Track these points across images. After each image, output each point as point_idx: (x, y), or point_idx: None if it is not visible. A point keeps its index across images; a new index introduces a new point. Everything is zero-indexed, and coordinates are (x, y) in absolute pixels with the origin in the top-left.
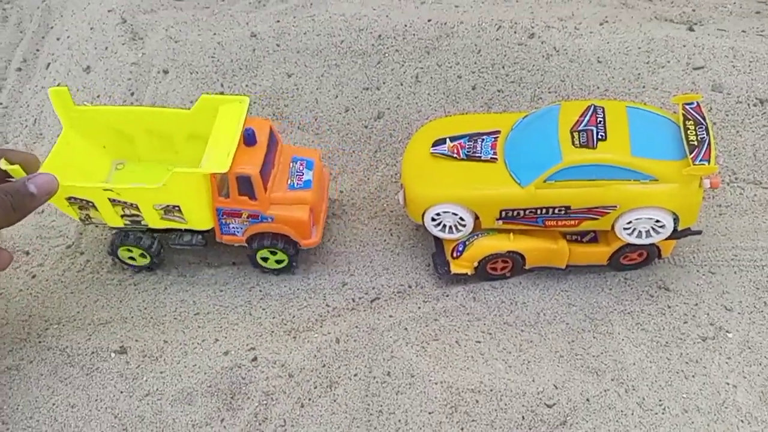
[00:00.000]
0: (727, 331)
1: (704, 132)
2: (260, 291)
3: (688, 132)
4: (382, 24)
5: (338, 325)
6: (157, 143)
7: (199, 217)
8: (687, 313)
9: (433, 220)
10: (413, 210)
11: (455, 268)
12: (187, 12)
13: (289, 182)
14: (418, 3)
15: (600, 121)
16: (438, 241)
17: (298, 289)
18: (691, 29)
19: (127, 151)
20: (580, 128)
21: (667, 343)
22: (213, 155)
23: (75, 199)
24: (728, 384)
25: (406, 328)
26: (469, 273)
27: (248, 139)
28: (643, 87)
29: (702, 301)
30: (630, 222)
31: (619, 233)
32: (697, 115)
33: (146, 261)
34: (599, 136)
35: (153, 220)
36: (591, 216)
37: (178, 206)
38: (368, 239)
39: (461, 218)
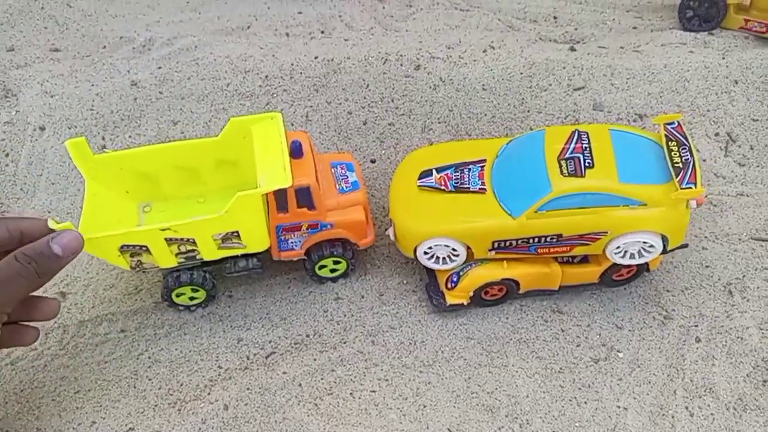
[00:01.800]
0: (618, 351)
1: (688, 153)
2: (149, 358)
3: (672, 153)
4: (268, 64)
5: (228, 389)
6: (183, 178)
7: (256, 238)
8: (580, 336)
9: (426, 252)
10: (405, 245)
11: (451, 299)
12: (65, 63)
13: (338, 187)
14: (307, 39)
15: (586, 148)
16: (431, 272)
17: (190, 352)
18: (572, 49)
19: (151, 192)
20: (567, 156)
21: (561, 369)
22: (268, 173)
23: (128, 246)
24: (619, 407)
25: (300, 384)
26: (465, 303)
27: (296, 151)
28: (528, 111)
29: (594, 321)
30: (620, 246)
31: (610, 256)
32: (679, 136)
33: (199, 299)
34: (586, 164)
35: (210, 252)
36: (582, 242)
37: (237, 232)
38: (265, 290)
39: (454, 249)
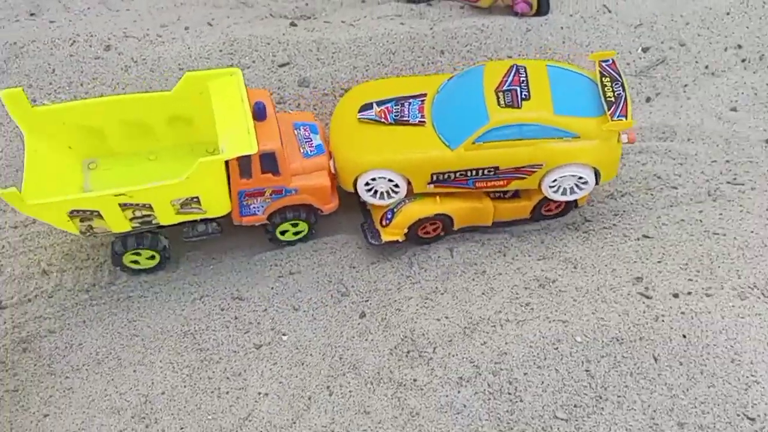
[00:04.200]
0: (283, 334)
1: (620, 88)
2: None
3: (605, 89)
4: None
5: None
6: (132, 133)
7: (217, 203)
8: (252, 322)
9: (367, 185)
10: (344, 177)
11: (386, 236)
12: None
13: (302, 150)
14: (4, 22)
15: (523, 81)
16: (366, 211)
17: None
18: (293, 24)
19: (97, 148)
20: (504, 88)
21: (219, 359)
22: (231, 137)
23: (78, 211)
24: (260, 393)
25: None
26: (400, 240)
27: (259, 113)
28: None
29: (272, 305)
30: (555, 180)
31: (546, 191)
32: (612, 72)
33: (154, 262)
34: (523, 96)
35: (168, 216)
36: (519, 175)
37: (197, 197)
38: None
39: (395, 184)
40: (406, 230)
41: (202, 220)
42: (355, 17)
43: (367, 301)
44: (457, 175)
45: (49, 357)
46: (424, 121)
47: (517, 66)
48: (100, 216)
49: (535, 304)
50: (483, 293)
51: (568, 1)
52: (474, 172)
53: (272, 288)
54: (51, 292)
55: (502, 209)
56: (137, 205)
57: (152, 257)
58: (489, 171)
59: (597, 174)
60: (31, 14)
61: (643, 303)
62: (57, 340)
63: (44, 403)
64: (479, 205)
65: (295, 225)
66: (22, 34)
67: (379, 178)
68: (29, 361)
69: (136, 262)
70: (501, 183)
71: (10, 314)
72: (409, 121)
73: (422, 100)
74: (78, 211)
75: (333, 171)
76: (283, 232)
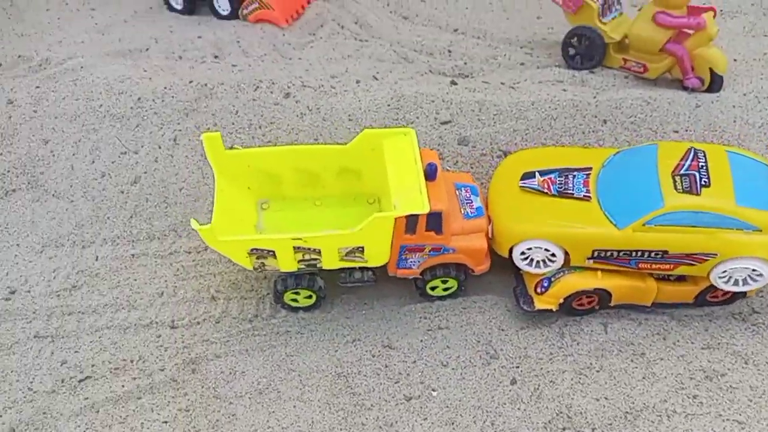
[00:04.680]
0: (433, 390)
1: None
2: None
3: None
4: (142, 87)
5: (23, 413)
6: (303, 180)
7: (379, 254)
8: (402, 372)
9: (522, 254)
10: (501, 244)
11: (540, 304)
12: None
13: (463, 211)
14: (197, 63)
15: (702, 167)
16: (518, 276)
17: (11, 372)
18: (453, 83)
19: (271, 190)
20: (682, 172)
21: (371, 406)
22: (404, 195)
23: (257, 250)
24: None
25: (97, 411)
26: (554, 309)
27: (431, 174)
28: None
29: (421, 358)
30: (726, 271)
31: (714, 281)
32: None
33: (311, 301)
34: (703, 182)
35: (331, 262)
36: (688, 262)
37: (362, 247)
38: (100, 310)
39: (552, 254)
40: (561, 300)
41: (359, 268)
42: (515, 80)
43: (518, 367)
44: (621, 254)
45: (214, 380)
46: (589, 196)
47: (695, 149)
48: (273, 255)
49: (704, 398)
50: (644, 377)
51: (741, 80)
52: (639, 254)
53: (421, 341)
54: (218, 318)
55: (665, 291)
56: (308, 249)
57: (309, 296)
58: (656, 254)
59: None
60: (215, 57)
61: None
62: (222, 365)
63: (212, 426)
64: (641, 285)
65: (445, 281)
66: (210, 75)
67: (536, 247)
68: (197, 383)
69: (295, 300)
70: (667, 267)
71: (180, 334)
72: (573, 194)
73: (587, 174)
74: (257, 249)
75: (490, 235)
76: (432, 288)
